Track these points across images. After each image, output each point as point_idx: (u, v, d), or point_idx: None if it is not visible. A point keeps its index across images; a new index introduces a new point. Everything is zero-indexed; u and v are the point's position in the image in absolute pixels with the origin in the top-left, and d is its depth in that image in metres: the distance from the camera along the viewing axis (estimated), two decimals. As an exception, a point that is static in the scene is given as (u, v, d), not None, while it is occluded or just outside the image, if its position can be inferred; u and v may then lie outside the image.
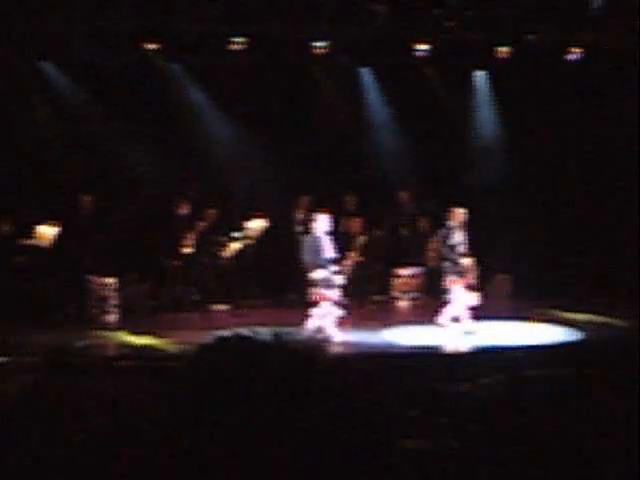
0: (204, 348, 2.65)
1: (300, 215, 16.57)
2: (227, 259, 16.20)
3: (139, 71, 16.46)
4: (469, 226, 13.90)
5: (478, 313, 13.75)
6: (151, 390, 2.92)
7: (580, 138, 17.87)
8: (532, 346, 12.50)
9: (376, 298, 16.70)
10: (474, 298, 13.70)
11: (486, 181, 17.40)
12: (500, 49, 17.11)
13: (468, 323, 13.72)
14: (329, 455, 2.44)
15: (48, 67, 16.44)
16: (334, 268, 13.41)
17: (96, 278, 14.93)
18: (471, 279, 13.85)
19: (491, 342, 12.96)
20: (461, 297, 13.71)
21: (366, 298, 16.34)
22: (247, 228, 16.15)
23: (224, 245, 16.16)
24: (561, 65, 17.35)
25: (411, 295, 16.85)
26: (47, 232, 14.84)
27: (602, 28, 16.53)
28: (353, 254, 16.20)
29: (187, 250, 15.95)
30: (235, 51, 16.23)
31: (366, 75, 18.03)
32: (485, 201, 16.07)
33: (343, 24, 16.33)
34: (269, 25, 15.96)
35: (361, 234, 16.73)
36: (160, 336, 13.35)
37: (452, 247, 13.76)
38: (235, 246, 16.17)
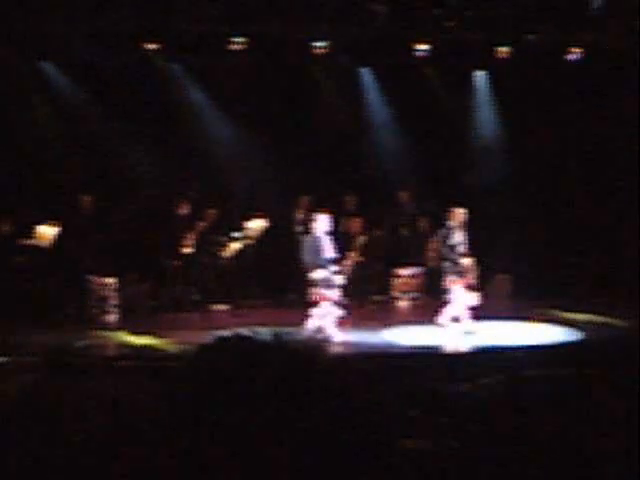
0: (204, 348, 2.65)
1: (300, 215, 16.57)
2: (227, 259, 16.20)
3: (139, 71, 16.46)
4: (469, 226, 13.90)
5: (478, 313, 13.75)
6: (151, 390, 2.92)
7: (580, 138, 17.86)
8: (532, 346, 12.50)
9: (376, 298, 16.70)
10: (474, 298, 13.70)
11: (486, 181, 17.40)
12: (500, 49, 17.11)
13: (468, 323, 13.72)
14: (329, 455, 2.44)
15: (48, 67, 16.44)
16: (334, 268, 13.40)
17: (96, 278, 14.93)
18: (471, 279, 13.85)
19: (491, 342, 12.95)
20: (461, 297, 13.71)
21: (366, 298, 16.34)
22: (247, 228, 16.15)
23: (224, 245, 16.16)
24: (561, 65, 17.35)
25: (411, 295, 16.85)
26: (47, 232, 14.84)
27: (602, 28, 16.53)
28: (353, 254, 16.19)
29: (187, 250, 15.95)
30: (235, 51, 16.23)
31: (366, 75, 18.03)
32: (485, 201, 16.07)
33: (343, 24, 16.33)
34: (269, 25, 15.96)
35: (361, 234, 16.73)
36: (160, 336, 13.35)
37: (452, 247, 13.76)
38: (235, 246, 16.17)
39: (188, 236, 15.95)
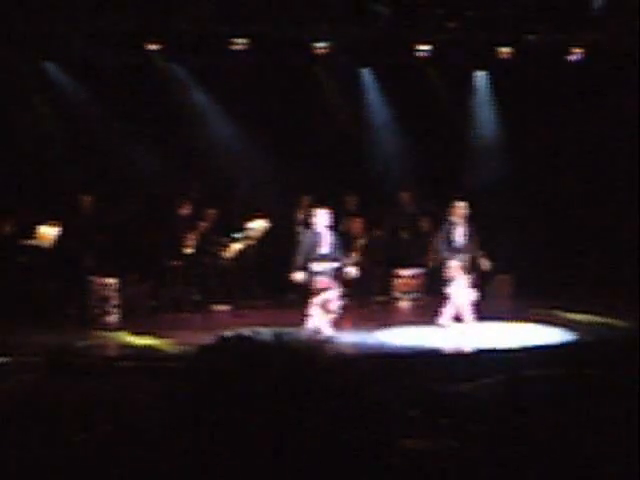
0: (204, 348, 2.65)
1: (301, 215, 16.57)
2: (228, 259, 16.21)
3: (140, 71, 16.46)
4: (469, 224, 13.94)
5: (478, 313, 13.75)
6: (151, 390, 2.92)
7: (580, 138, 17.86)
8: (532, 346, 12.49)
9: (377, 298, 16.70)
10: (473, 294, 13.70)
11: (486, 181, 17.40)
12: (501, 49, 17.11)
13: (468, 323, 13.72)
14: (329, 455, 2.44)
15: (49, 67, 16.44)
16: (332, 265, 13.33)
17: (97, 278, 14.92)
18: (472, 275, 13.86)
19: (491, 342, 12.95)
20: (461, 296, 13.72)
21: (367, 298, 16.33)
22: (248, 228, 16.16)
23: (225, 245, 16.16)
24: (562, 65, 17.34)
25: (412, 295, 16.85)
26: (48, 232, 14.84)
27: (603, 28, 16.52)
28: (354, 254, 16.18)
29: (188, 250, 15.95)
30: (236, 51, 16.23)
31: (367, 75, 18.03)
32: (485, 201, 16.06)
33: (344, 24, 16.32)
34: (270, 25, 15.96)
35: (362, 234, 16.73)
36: (161, 336, 13.34)
37: (452, 242, 13.80)
38: (236, 246, 16.18)
39: (189, 236, 15.95)
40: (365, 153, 17.98)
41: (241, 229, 16.14)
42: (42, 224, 14.86)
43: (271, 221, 16.24)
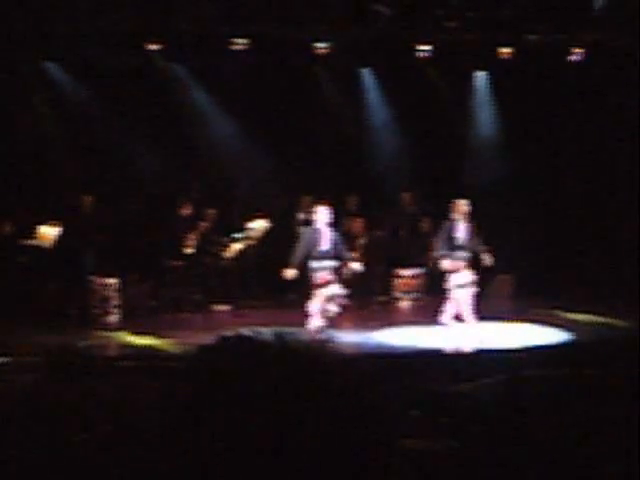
0: (205, 348, 2.65)
1: (301, 215, 16.57)
2: (228, 259, 16.21)
3: (140, 71, 16.47)
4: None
5: (478, 313, 13.75)
6: (151, 390, 2.93)
7: (580, 138, 17.86)
8: (532, 346, 12.50)
9: (377, 298, 16.70)
10: (473, 292, 13.72)
11: (486, 181, 17.40)
12: (501, 49, 17.11)
13: (469, 322, 13.73)
14: (329, 455, 2.44)
15: (49, 67, 16.44)
16: (332, 262, 13.32)
17: (97, 278, 14.93)
18: (473, 272, 13.87)
19: (491, 342, 12.95)
20: (461, 294, 13.74)
21: (367, 298, 16.33)
22: (248, 228, 16.16)
23: (225, 245, 16.17)
24: (562, 65, 17.35)
25: (412, 295, 16.85)
26: (48, 232, 14.85)
27: (603, 28, 16.53)
28: (354, 254, 16.18)
29: (188, 250, 15.95)
30: (236, 51, 16.23)
31: (367, 75, 18.04)
32: (485, 201, 16.07)
33: (344, 24, 16.33)
34: (270, 25, 15.97)
35: (362, 234, 16.73)
36: (161, 336, 13.35)
37: (454, 239, 13.83)
38: (236, 246, 16.18)
39: (189, 236, 15.95)
40: (365, 153, 17.99)
41: (241, 229, 16.14)
42: (42, 224, 14.86)
43: (271, 221, 16.25)
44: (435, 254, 14.20)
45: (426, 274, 16.68)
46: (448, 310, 13.84)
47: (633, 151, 16.81)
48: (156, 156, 16.56)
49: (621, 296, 15.26)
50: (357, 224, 16.76)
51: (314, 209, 13.76)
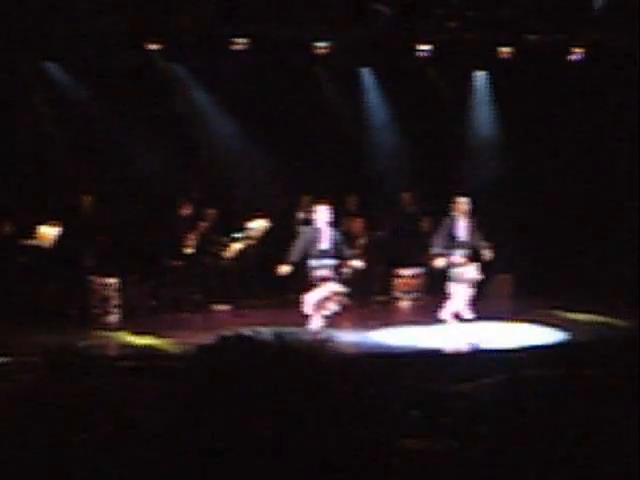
0: (204, 348, 2.65)
1: (301, 215, 16.57)
2: (228, 259, 16.21)
3: (140, 71, 16.45)
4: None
5: (478, 313, 13.75)
6: (151, 390, 2.93)
7: (580, 138, 17.85)
8: (532, 346, 12.49)
9: (377, 298, 16.70)
10: (472, 290, 13.71)
11: (486, 181, 17.40)
12: (501, 49, 17.11)
13: (467, 320, 13.73)
14: (329, 455, 2.44)
15: (49, 67, 16.43)
16: (331, 260, 13.32)
17: (97, 278, 14.93)
18: (473, 270, 13.87)
19: (491, 342, 12.95)
20: (461, 293, 13.74)
21: (367, 298, 16.33)
22: (248, 228, 16.16)
23: (225, 245, 16.16)
24: (562, 65, 17.34)
25: (412, 295, 16.85)
26: (48, 232, 14.84)
27: (603, 28, 16.52)
28: (354, 254, 16.18)
29: (188, 250, 15.95)
30: (236, 51, 16.23)
31: (367, 75, 18.03)
32: (485, 201, 16.05)
33: (344, 24, 16.32)
34: (270, 25, 15.96)
35: (362, 234, 16.73)
36: (161, 336, 13.35)
37: (454, 237, 13.84)
38: (236, 246, 16.18)
39: (189, 236, 15.95)
40: (365, 153, 17.99)
41: (241, 229, 16.14)
42: (42, 224, 14.86)
43: (271, 221, 16.24)
44: (432, 251, 14.21)
45: (426, 274, 16.67)
46: (448, 307, 13.85)
47: (633, 151, 16.80)
48: (156, 156, 16.55)
49: (621, 296, 15.25)
50: (357, 224, 16.76)
51: (314, 209, 13.77)
